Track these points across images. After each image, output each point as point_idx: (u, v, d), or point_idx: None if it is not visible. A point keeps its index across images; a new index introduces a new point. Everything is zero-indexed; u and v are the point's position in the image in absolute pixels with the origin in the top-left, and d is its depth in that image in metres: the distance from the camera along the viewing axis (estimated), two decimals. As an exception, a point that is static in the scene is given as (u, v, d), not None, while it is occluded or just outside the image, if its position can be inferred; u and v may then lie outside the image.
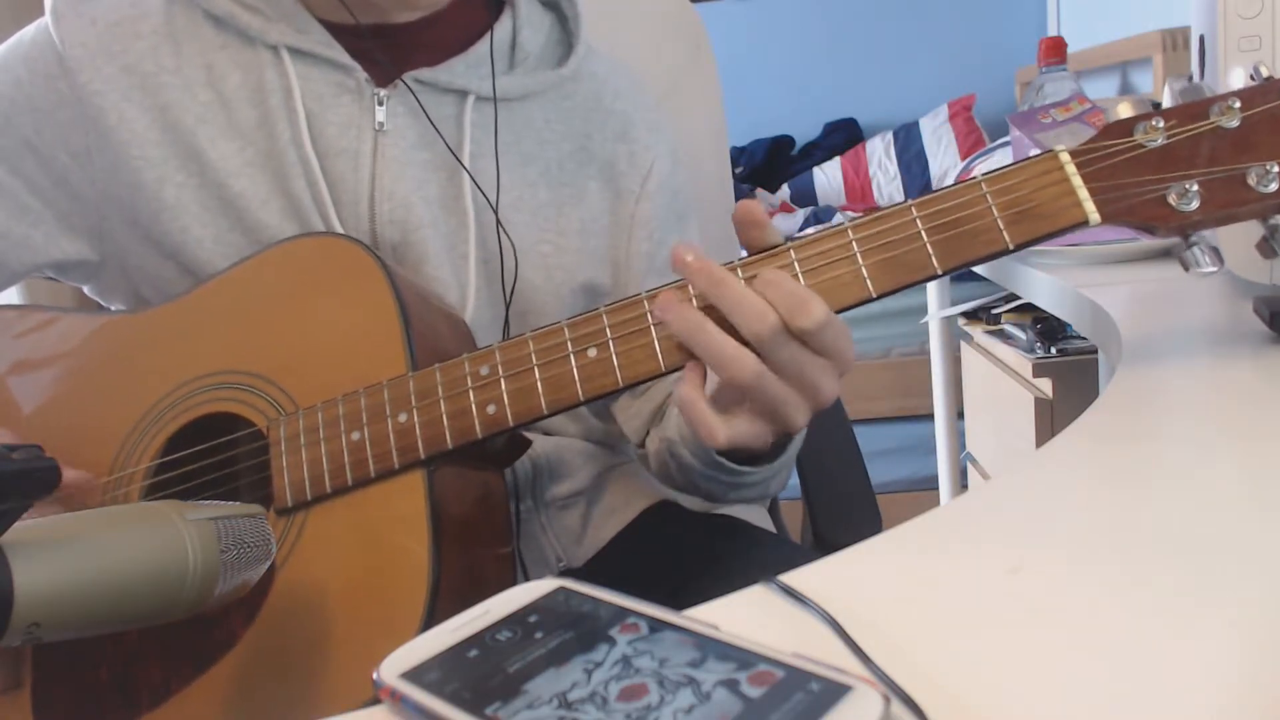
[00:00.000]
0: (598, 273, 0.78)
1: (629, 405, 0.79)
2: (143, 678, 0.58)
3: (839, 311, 0.53)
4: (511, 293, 0.74)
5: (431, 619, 0.53)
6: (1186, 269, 0.55)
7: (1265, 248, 0.55)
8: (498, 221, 0.73)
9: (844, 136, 2.77)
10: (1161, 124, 0.52)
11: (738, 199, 1.12)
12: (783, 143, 2.79)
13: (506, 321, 0.74)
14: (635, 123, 0.80)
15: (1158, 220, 0.53)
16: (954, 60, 2.77)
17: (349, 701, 0.52)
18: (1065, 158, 0.53)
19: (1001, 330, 1.65)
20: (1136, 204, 0.52)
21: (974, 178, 0.53)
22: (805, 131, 2.83)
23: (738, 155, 2.80)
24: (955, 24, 2.78)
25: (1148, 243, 0.96)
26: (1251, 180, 0.51)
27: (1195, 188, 0.52)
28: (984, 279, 1.29)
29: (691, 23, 1.07)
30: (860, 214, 0.55)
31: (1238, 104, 0.52)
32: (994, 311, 1.68)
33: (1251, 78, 0.53)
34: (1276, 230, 0.54)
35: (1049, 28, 2.67)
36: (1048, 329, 1.51)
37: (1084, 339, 1.45)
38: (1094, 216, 0.52)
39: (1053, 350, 1.48)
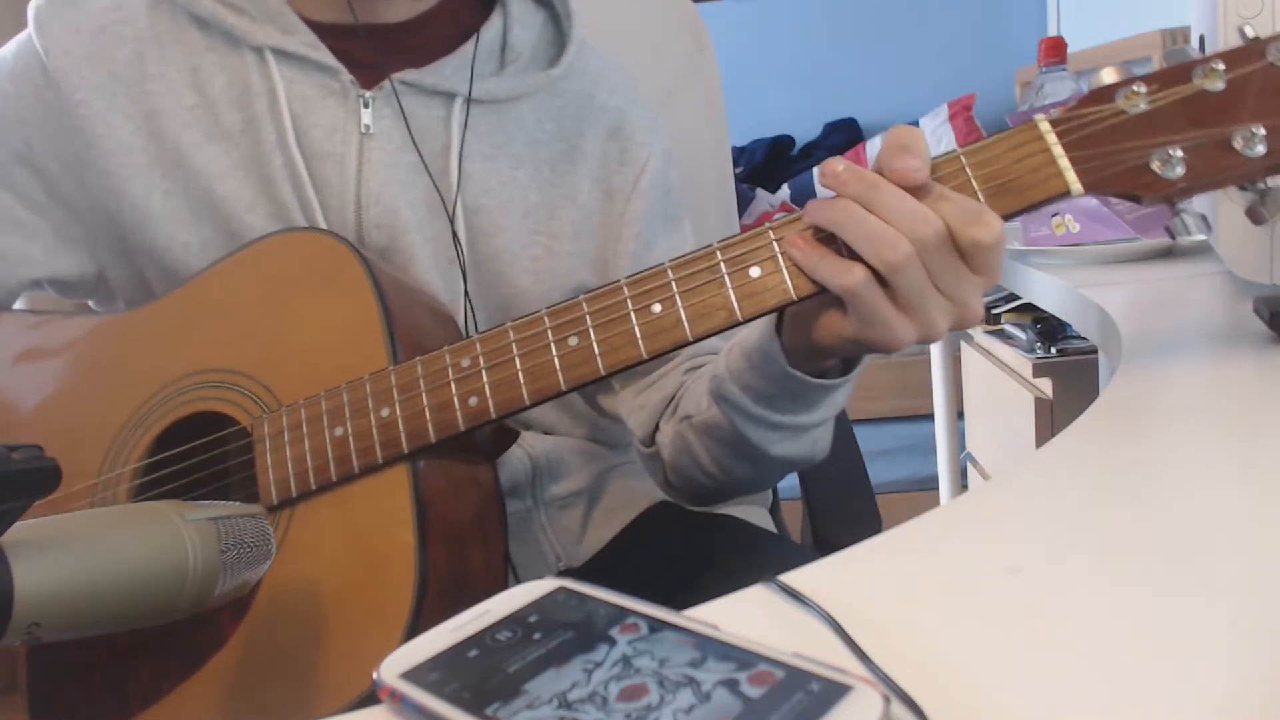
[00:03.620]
0: (587, 274, 0.78)
1: (633, 399, 0.78)
2: (136, 677, 0.58)
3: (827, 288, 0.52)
4: (467, 291, 0.73)
5: (420, 612, 0.53)
6: (1174, 237, 0.53)
7: (1255, 213, 0.53)
8: (451, 222, 0.72)
9: (844, 136, 2.77)
10: (1144, 89, 0.51)
11: (738, 199, 1.12)
12: (783, 143, 2.79)
13: (468, 306, 0.73)
14: (629, 120, 0.79)
15: (1142, 188, 0.51)
16: (954, 60, 2.77)
17: (339, 697, 0.52)
18: (1045, 127, 0.51)
19: (1001, 330, 1.65)
20: (1119, 172, 0.51)
21: (953, 150, 0.52)
22: (805, 131, 2.82)
23: (738, 155, 2.80)
24: (955, 24, 2.78)
25: (1148, 242, 0.96)
26: (1237, 144, 0.49)
27: (1180, 154, 0.50)
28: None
29: (693, 22, 1.07)
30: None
31: (1222, 66, 0.50)
32: (994, 311, 1.68)
33: (1240, 37, 0.51)
34: (1266, 195, 0.52)
35: (1049, 28, 2.67)
36: (1048, 329, 1.51)
37: (1084, 339, 1.45)
38: (1076, 186, 0.51)
39: (1053, 350, 1.48)
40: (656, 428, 0.76)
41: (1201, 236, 0.52)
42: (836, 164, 0.51)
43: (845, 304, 0.52)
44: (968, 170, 0.52)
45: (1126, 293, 0.82)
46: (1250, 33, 0.51)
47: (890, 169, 0.50)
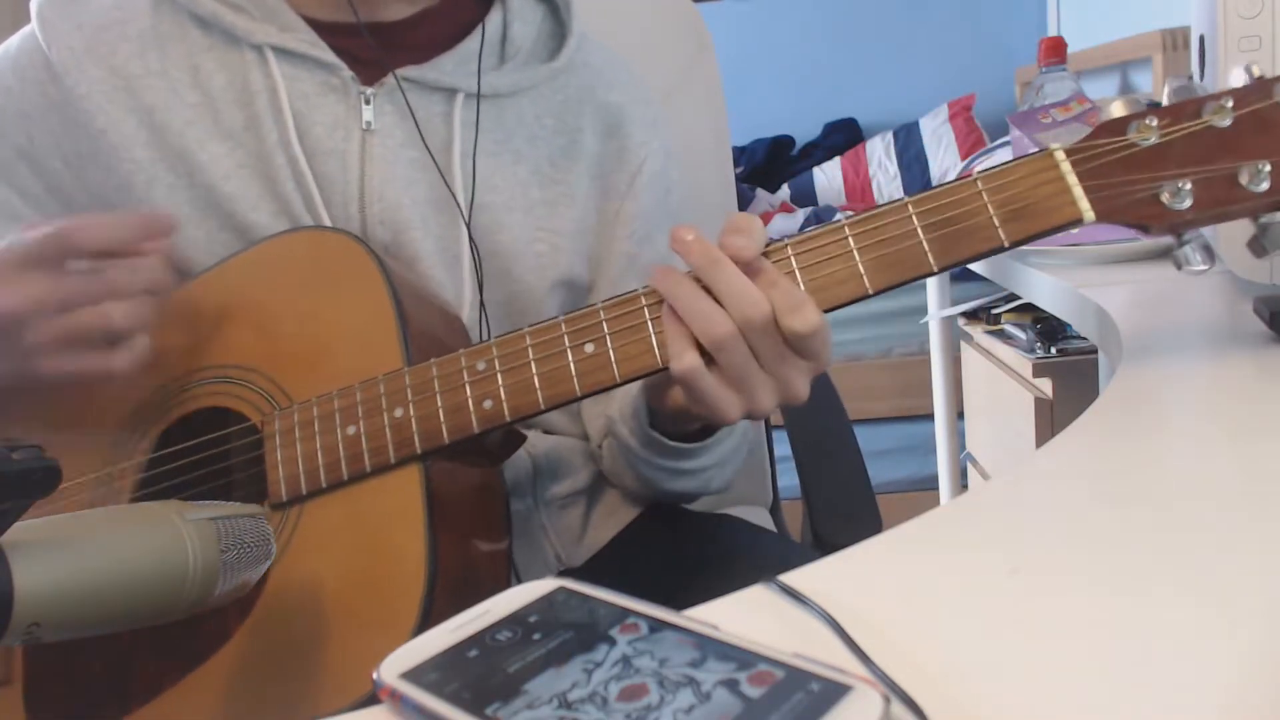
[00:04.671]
0: (583, 269, 0.78)
1: (593, 406, 0.79)
2: (136, 672, 0.58)
3: (836, 308, 0.54)
4: (481, 287, 0.73)
5: (428, 614, 0.53)
6: (1179, 267, 0.55)
7: (1256, 246, 0.55)
8: (467, 223, 0.72)
9: (844, 136, 2.77)
10: (1155, 123, 0.52)
11: (738, 200, 1.13)
12: (783, 143, 2.79)
13: (484, 317, 0.73)
14: (629, 117, 0.79)
15: (1151, 219, 0.53)
16: (954, 60, 2.77)
17: (343, 697, 0.52)
18: (1060, 156, 0.53)
19: (1001, 330, 1.65)
20: (1130, 202, 0.53)
21: (970, 175, 0.53)
22: (805, 131, 2.82)
23: (738, 155, 2.80)
24: (955, 24, 2.78)
25: (1148, 242, 0.96)
26: (1243, 179, 0.51)
27: (1188, 186, 0.52)
28: (984, 279, 1.29)
29: (694, 23, 1.07)
30: (858, 212, 0.55)
31: (1230, 103, 0.52)
32: (994, 311, 1.68)
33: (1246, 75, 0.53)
34: (1268, 229, 0.54)
35: (1049, 28, 2.67)
36: (1048, 329, 1.51)
37: (1084, 339, 1.46)
38: (1089, 215, 0.52)
39: (1053, 350, 1.48)
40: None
41: (1204, 268, 0.54)
42: (687, 233, 0.53)
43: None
44: (984, 195, 0.53)
45: (1126, 293, 0.82)
46: (1256, 71, 0.52)
47: (724, 244, 0.53)
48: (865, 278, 0.53)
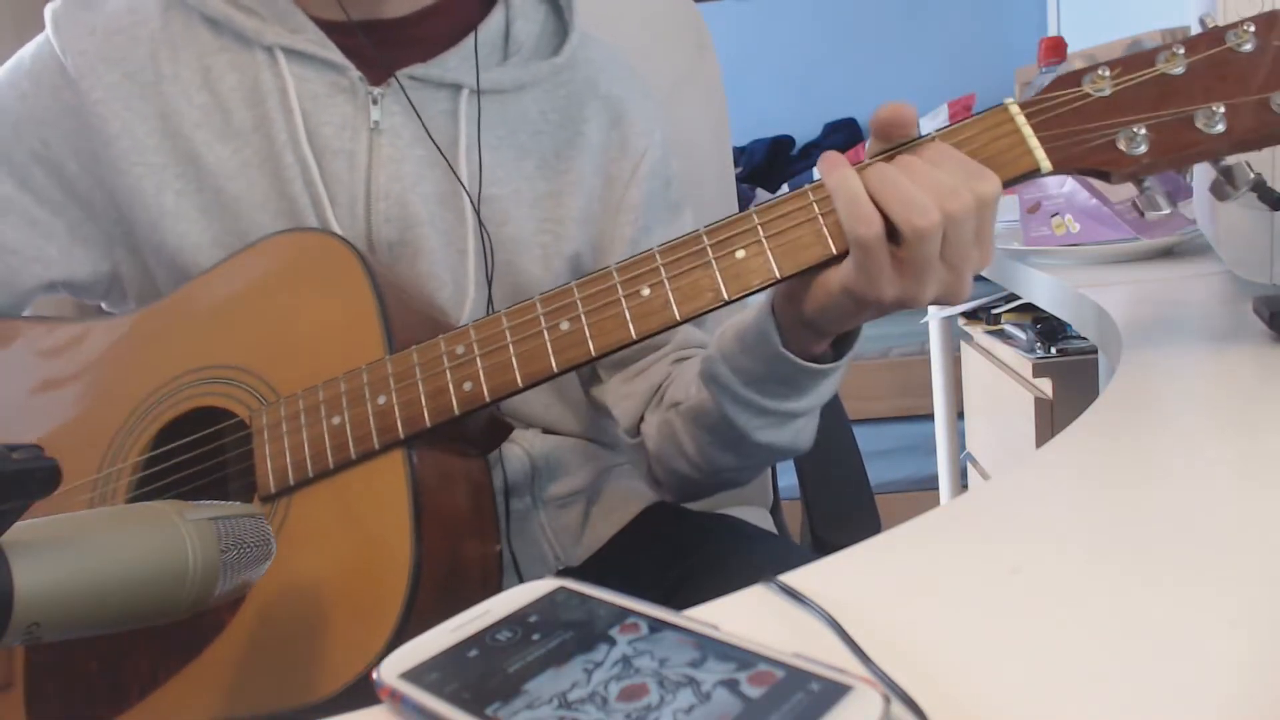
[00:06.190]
0: (588, 258, 0.79)
1: (620, 387, 0.78)
2: (132, 668, 0.58)
3: (801, 273, 0.54)
4: (491, 280, 0.73)
5: (413, 599, 0.53)
6: (1143, 214, 0.56)
7: (1219, 189, 0.55)
8: (478, 214, 0.73)
9: (844, 136, 2.77)
10: (1108, 73, 0.53)
11: (738, 199, 1.12)
12: (783, 143, 2.79)
13: (491, 309, 0.73)
14: (630, 109, 0.80)
15: (1109, 165, 0.53)
16: (954, 60, 2.77)
17: (334, 683, 0.53)
18: (1015, 109, 0.54)
19: (1001, 330, 1.65)
20: (1087, 150, 0.53)
21: (929, 134, 0.54)
22: (805, 131, 2.82)
23: (738, 155, 2.80)
24: (955, 24, 2.78)
25: (1148, 242, 0.96)
26: (1199, 123, 0.52)
27: (1144, 132, 0.52)
28: (984, 279, 1.28)
29: (695, 23, 1.07)
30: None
31: (1182, 51, 0.52)
32: (994, 311, 1.68)
33: (1201, 25, 0.54)
34: (1231, 171, 0.54)
35: (1049, 28, 2.67)
36: (1048, 329, 1.51)
37: (1084, 339, 1.45)
38: (1045, 164, 0.53)
39: (1053, 350, 1.48)
40: (642, 418, 0.77)
41: (1167, 210, 0.55)
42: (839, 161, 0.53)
43: (851, 254, 0.52)
44: None
45: (1126, 293, 0.82)
46: (1210, 23, 0.53)
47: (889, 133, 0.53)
48: (830, 240, 0.53)
